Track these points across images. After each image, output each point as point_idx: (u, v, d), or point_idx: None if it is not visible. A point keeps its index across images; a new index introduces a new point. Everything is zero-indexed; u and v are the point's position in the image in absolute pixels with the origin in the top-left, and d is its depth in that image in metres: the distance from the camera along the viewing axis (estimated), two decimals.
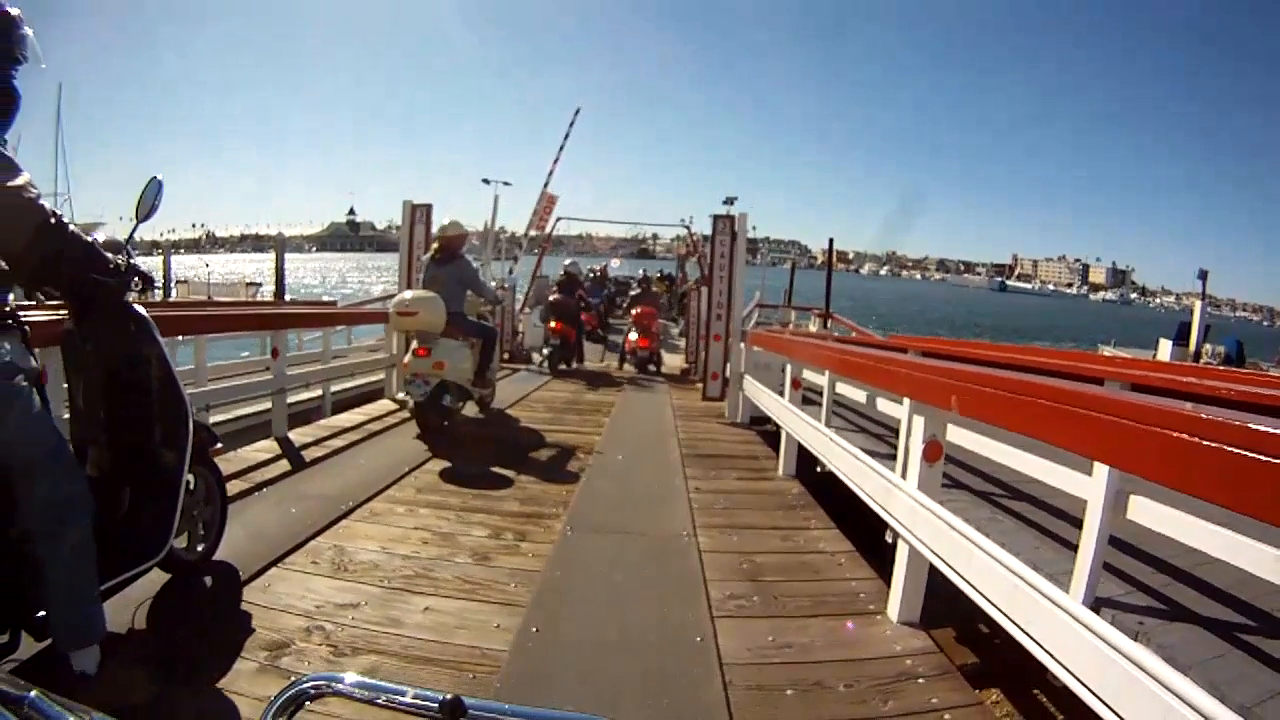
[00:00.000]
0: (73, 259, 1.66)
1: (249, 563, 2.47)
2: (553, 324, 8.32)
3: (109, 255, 1.80)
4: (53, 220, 1.56)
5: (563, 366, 8.37)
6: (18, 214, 1.50)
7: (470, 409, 5.35)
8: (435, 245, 5.11)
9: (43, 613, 1.60)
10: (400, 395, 5.63)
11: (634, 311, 9.18)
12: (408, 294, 4.87)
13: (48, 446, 1.59)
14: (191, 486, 2.20)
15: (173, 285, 20.09)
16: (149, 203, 2.10)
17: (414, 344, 4.62)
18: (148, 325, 2.01)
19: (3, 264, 1.58)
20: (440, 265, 4.94)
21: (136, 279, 1.94)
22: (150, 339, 2.02)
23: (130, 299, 1.97)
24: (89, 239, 1.73)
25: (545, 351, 8.36)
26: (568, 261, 12.08)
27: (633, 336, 8.81)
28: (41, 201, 1.56)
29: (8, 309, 1.61)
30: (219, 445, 2.41)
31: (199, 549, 2.35)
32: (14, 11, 1.56)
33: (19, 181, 1.50)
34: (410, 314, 4.56)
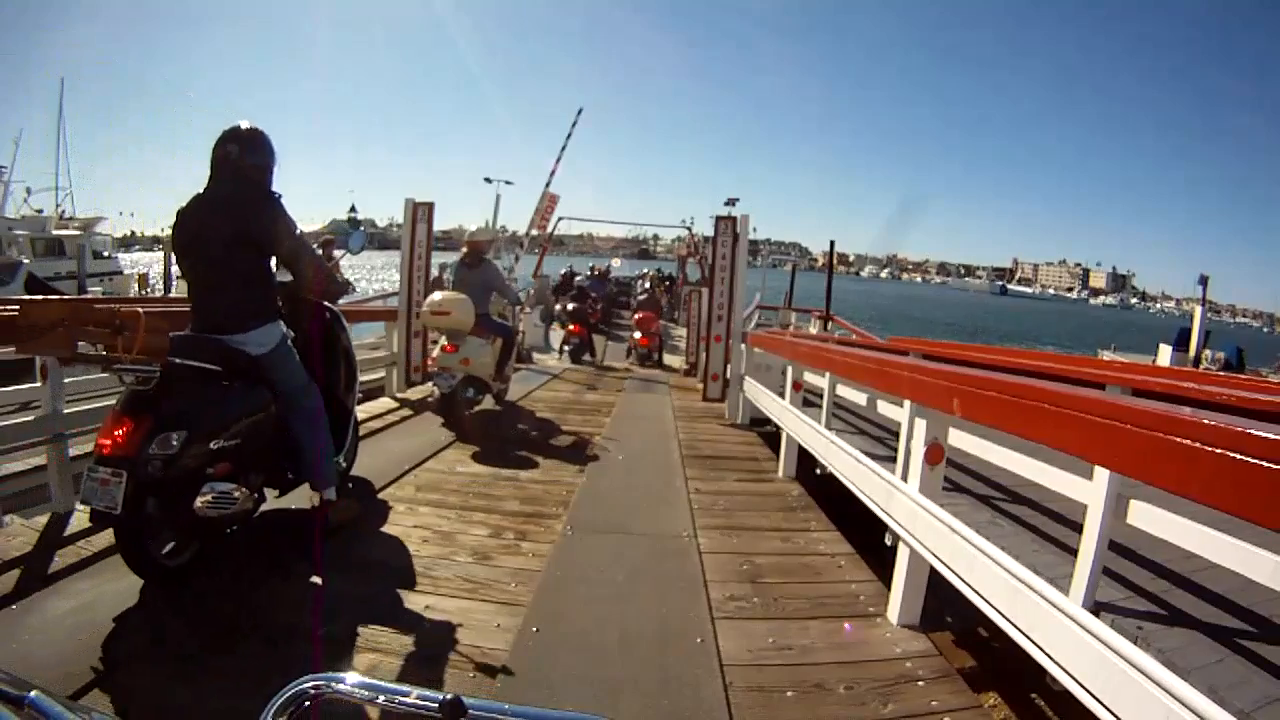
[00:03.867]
0: (323, 276, 2.70)
1: (245, 562, 2.47)
2: (570, 327, 10.11)
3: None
4: (319, 251, 2.59)
5: (587, 358, 9.99)
6: (302, 251, 2.54)
7: (485, 402, 5.53)
8: (464, 249, 5.53)
9: (290, 476, 2.70)
10: (400, 392, 6.02)
11: (636, 316, 10.67)
12: (438, 295, 5.17)
13: (305, 379, 2.61)
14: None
15: (173, 281, 20.12)
16: (357, 245, 3.07)
17: (442, 340, 4.99)
18: (339, 315, 3.10)
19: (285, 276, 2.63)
20: (469, 268, 5.39)
21: (349, 286, 3.04)
22: (341, 325, 3.11)
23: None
24: (328, 264, 2.84)
25: (566, 348, 10.03)
26: (579, 278, 14.32)
27: (636, 335, 10.41)
28: (314, 249, 2.67)
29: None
30: (360, 396, 3.51)
31: (344, 464, 3.17)
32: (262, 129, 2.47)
33: (299, 230, 2.53)
34: (444, 313, 4.89)
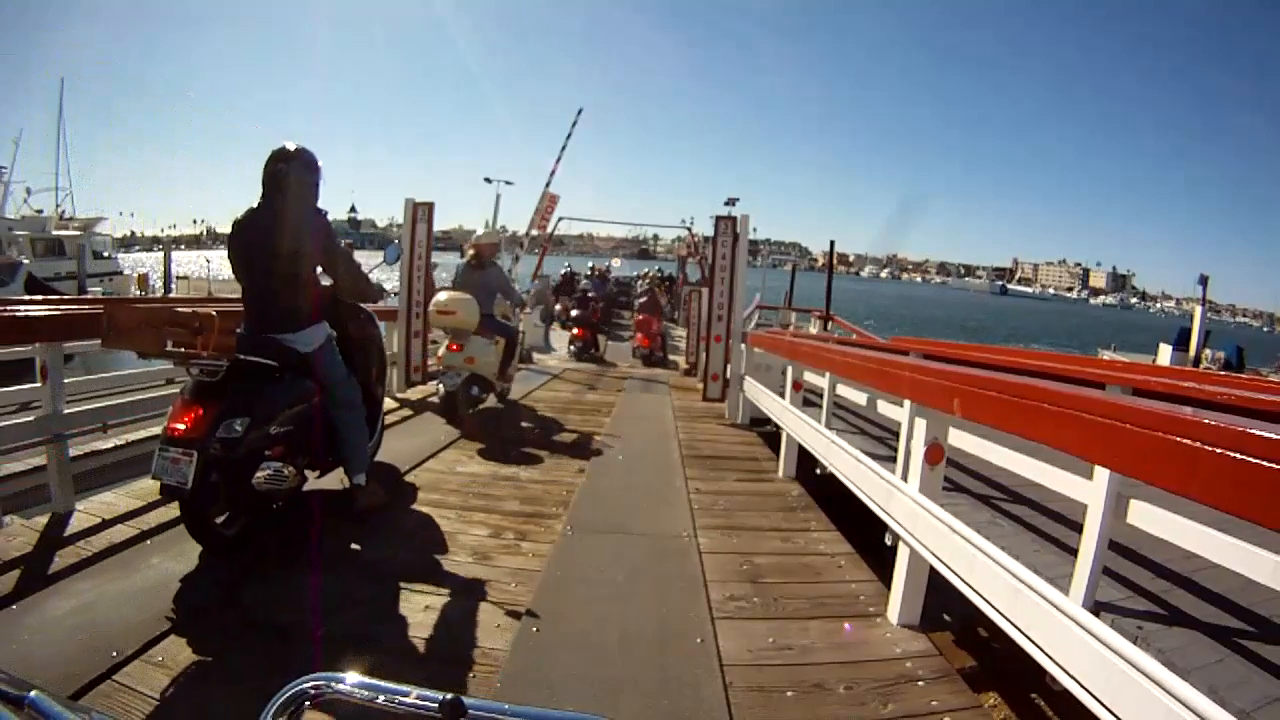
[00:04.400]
0: (361, 282, 3.04)
1: (239, 568, 2.48)
2: (575, 331, 11.04)
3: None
4: (360, 267, 3.04)
5: (593, 351, 11.02)
6: (344, 262, 2.92)
7: (488, 400, 5.58)
8: (471, 252, 5.56)
9: (330, 459, 2.97)
10: (400, 392, 6.08)
11: (637, 319, 11.34)
12: (443, 295, 5.21)
13: (346, 373, 2.91)
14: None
15: (173, 281, 20.13)
16: (392, 257, 3.84)
17: (448, 340, 5.05)
18: (373, 317, 3.45)
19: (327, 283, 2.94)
20: (475, 270, 5.43)
21: (383, 290, 3.25)
22: (374, 325, 3.44)
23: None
24: (368, 275, 3.11)
25: (573, 349, 10.90)
26: (584, 282, 14.95)
27: (638, 336, 11.19)
28: (354, 258, 3.05)
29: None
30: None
31: (373, 450, 3.36)
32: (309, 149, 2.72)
33: (344, 246, 2.99)
34: (449, 313, 4.95)
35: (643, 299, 12.28)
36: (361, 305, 3.31)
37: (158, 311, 2.66)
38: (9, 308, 3.54)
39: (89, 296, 14.41)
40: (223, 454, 2.32)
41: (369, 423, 3.13)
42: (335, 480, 3.08)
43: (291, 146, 2.69)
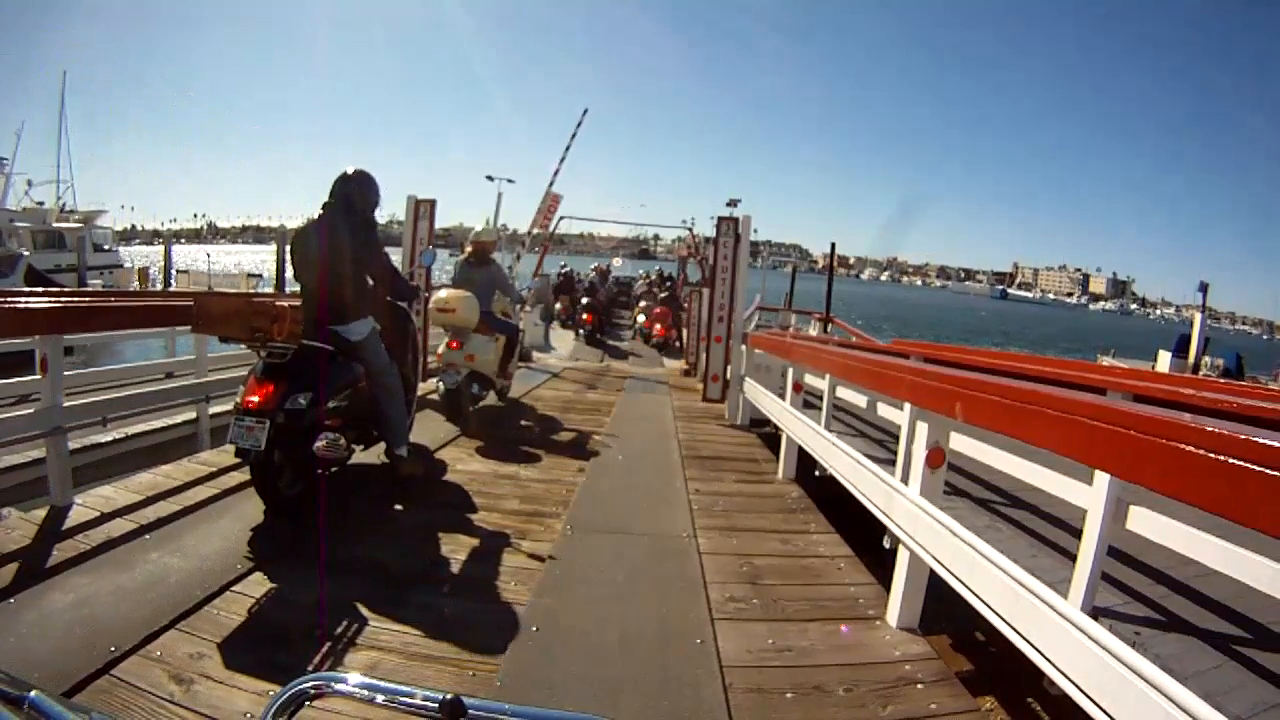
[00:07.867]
0: (400, 284, 3.58)
1: (237, 564, 2.47)
2: (585, 316, 12.46)
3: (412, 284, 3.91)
4: (399, 273, 3.57)
5: (599, 335, 12.55)
6: (389, 268, 3.34)
7: (489, 398, 5.57)
8: (469, 249, 5.55)
9: (374, 434, 3.35)
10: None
11: (655, 310, 12.71)
12: (443, 293, 5.21)
13: (388, 360, 3.28)
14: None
15: (173, 275, 20.11)
16: (428, 261, 4.83)
17: (447, 337, 5.05)
18: (409, 313, 3.88)
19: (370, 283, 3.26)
20: (473, 268, 5.43)
21: (419, 291, 4.30)
22: (410, 320, 3.88)
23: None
24: (405, 276, 3.73)
25: (582, 333, 12.41)
26: (591, 277, 16.26)
27: (656, 327, 12.34)
28: (393, 262, 3.45)
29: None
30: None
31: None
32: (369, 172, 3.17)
33: (388, 252, 3.33)
34: (449, 311, 4.94)
35: (663, 294, 13.39)
36: (400, 304, 3.69)
37: (242, 304, 3.01)
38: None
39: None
40: (289, 423, 2.67)
41: (405, 404, 3.49)
42: (374, 455, 3.52)
43: (351, 170, 3.12)
